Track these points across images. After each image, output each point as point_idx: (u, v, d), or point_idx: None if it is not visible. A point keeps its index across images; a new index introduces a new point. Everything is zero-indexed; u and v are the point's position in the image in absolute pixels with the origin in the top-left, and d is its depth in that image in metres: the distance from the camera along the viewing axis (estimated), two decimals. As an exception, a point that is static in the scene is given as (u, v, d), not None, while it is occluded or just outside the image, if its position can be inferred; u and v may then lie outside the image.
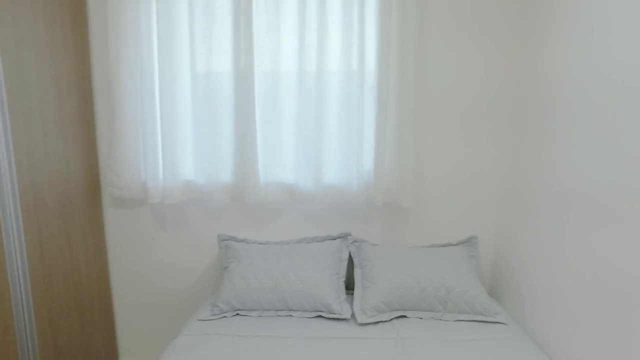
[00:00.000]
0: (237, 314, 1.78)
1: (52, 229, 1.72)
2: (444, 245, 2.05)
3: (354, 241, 2.03)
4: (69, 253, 1.84)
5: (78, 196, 1.90)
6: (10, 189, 1.51)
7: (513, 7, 1.90)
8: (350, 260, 2.05)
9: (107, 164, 2.02)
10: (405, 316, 1.77)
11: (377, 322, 1.72)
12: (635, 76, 1.17)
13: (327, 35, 1.87)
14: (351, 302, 1.88)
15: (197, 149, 1.98)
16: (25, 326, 1.59)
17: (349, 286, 2.06)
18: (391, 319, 1.74)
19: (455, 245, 2.04)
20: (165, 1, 1.87)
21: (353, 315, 1.76)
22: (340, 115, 1.94)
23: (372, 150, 1.94)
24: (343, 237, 2.06)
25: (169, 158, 1.95)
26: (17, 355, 1.55)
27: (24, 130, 1.58)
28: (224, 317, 1.76)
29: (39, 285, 1.65)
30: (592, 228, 1.35)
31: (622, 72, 1.23)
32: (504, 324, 1.72)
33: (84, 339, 1.95)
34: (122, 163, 1.98)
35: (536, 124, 1.73)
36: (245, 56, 1.86)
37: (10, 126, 1.51)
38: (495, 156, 2.03)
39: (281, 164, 1.99)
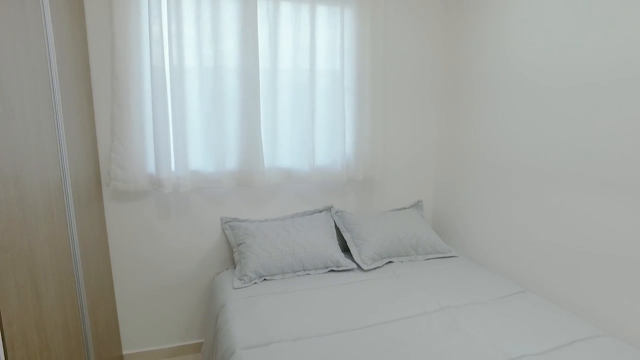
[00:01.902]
0: (264, 279, 2.10)
1: (48, 227, 1.77)
2: (400, 209, 2.67)
3: (337, 212, 2.50)
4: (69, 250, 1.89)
5: (79, 191, 1.93)
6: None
7: (449, 23, 2.60)
8: (336, 227, 2.52)
9: (110, 158, 2.07)
10: (391, 261, 2.33)
11: (376, 268, 2.24)
12: (536, 70, 1.91)
13: (315, 43, 2.29)
14: (350, 257, 2.37)
15: (206, 140, 2.19)
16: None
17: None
18: (383, 265, 2.29)
19: (409, 208, 2.69)
20: (175, 5, 2.03)
21: (357, 265, 2.25)
22: (327, 110, 2.38)
23: (352, 137, 2.44)
24: (327, 209, 2.51)
25: (180, 149, 2.12)
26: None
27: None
28: (255, 283, 2.06)
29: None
30: (510, 180, 2.10)
31: (526, 64, 1.97)
32: (456, 256, 2.42)
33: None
34: (129, 156, 2.07)
35: (467, 107, 2.45)
36: (252, 56, 2.15)
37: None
38: (436, 136, 2.72)
39: (280, 151, 2.34)
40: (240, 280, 2.07)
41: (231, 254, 2.41)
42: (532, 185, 2.01)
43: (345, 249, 2.57)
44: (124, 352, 2.32)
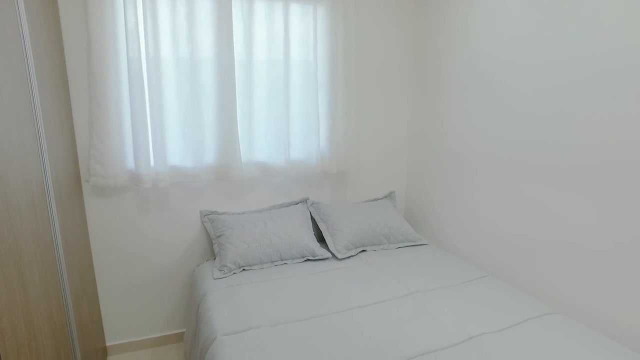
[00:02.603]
0: (243, 269, 2.19)
1: (32, 224, 1.81)
2: (374, 200, 2.79)
3: (312, 203, 2.60)
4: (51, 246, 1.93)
5: (60, 188, 1.96)
6: None
7: (419, 28, 2.71)
8: (312, 219, 2.62)
9: (89, 154, 2.10)
10: (365, 250, 2.45)
11: (350, 257, 2.36)
12: (499, 68, 2.04)
13: (289, 40, 2.35)
14: (326, 247, 2.48)
15: (184, 136, 2.25)
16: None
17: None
18: (357, 253, 2.40)
19: (382, 199, 2.81)
20: (150, 2, 2.06)
21: (332, 255, 2.36)
22: (301, 105, 2.46)
23: (326, 131, 2.53)
24: (303, 201, 2.61)
25: (159, 145, 2.17)
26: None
27: None
28: (234, 273, 2.15)
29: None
30: (474, 172, 2.23)
31: (490, 61, 2.09)
32: (426, 244, 2.56)
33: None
34: (108, 153, 2.11)
35: (436, 102, 2.57)
36: (227, 51, 2.21)
37: None
38: (407, 129, 2.84)
39: (257, 145, 2.41)
40: (220, 270, 2.15)
41: (211, 246, 2.48)
42: (493, 177, 2.15)
43: (321, 239, 2.68)
44: (108, 344, 2.38)
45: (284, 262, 2.27)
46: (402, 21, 2.69)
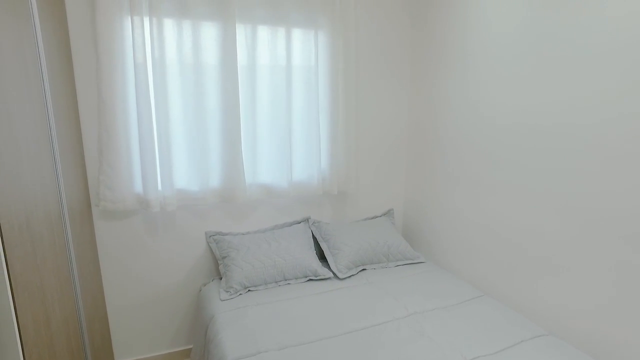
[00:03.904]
0: (249, 290, 2.27)
1: (53, 259, 1.88)
2: (373, 218, 2.89)
3: (313, 222, 2.69)
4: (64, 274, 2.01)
5: (74, 216, 2.03)
6: None
7: (416, 56, 2.80)
8: (313, 237, 2.72)
9: (99, 180, 2.17)
10: (365, 269, 2.55)
11: (351, 276, 2.45)
12: (493, 109, 2.14)
13: (291, 64, 2.44)
14: (327, 266, 2.57)
15: (190, 160, 2.32)
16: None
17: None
18: (358, 272, 2.50)
19: (380, 216, 2.90)
20: (157, 29, 2.13)
21: (334, 274, 2.45)
22: (303, 128, 2.54)
23: (327, 153, 2.62)
24: (305, 220, 2.70)
25: (166, 170, 2.25)
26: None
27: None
28: (240, 294, 2.23)
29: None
30: (474, 191, 2.33)
31: (486, 105, 2.20)
32: (424, 262, 2.66)
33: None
34: (116, 178, 2.19)
35: (433, 125, 2.67)
36: (232, 78, 2.29)
37: None
38: (404, 152, 2.93)
39: (260, 167, 2.50)
40: (227, 292, 2.24)
41: (216, 265, 2.56)
42: (488, 197, 2.25)
43: (323, 256, 2.77)
44: (115, 361, 2.45)
45: (288, 282, 2.35)
46: (399, 47, 2.79)
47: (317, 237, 2.65)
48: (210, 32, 2.28)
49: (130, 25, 2.12)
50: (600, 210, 1.69)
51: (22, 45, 1.39)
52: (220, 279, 2.45)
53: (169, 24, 2.21)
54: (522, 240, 2.06)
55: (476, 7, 2.24)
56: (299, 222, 2.69)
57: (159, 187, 2.27)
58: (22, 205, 1.27)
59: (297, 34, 2.47)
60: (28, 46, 1.45)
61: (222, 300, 2.18)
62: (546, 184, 1.91)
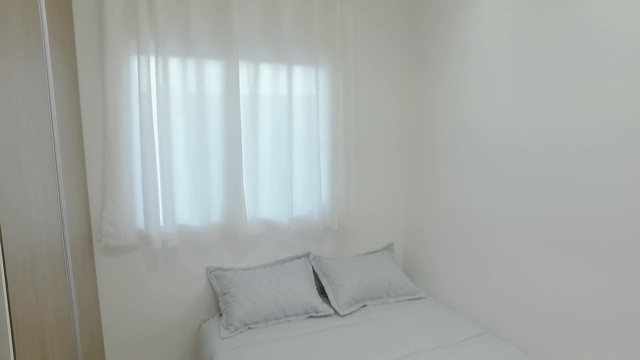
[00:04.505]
0: (249, 327, 2.25)
1: (54, 298, 1.87)
2: (373, 252, 2.89)
3: (314, 257, 2.69)
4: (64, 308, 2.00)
5: (76, 253, 2.04)
6: None
7: (414, 82, 2.87)
8: (314, 272, 2.71)
9: (101, 216, 2.19)
10: (366, 305, 2.53)
11: (352, 312, 2.43)
12: (487, 131, 2.18)
13: (292, 102, 2.50)
14: (328, 302, 2.55)
15: (192, 196, 2.35)
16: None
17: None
18: (359, 309, 2.48)
19: (381, 250, 2.90)
20: (162, 68, 2.20)
21: (334, 311, 2.43)
22: (303, 164, 2.58)
23: (327, 189, 2.65)
24: (305, 255, 2.70)
25: (168, 206, 2.27)
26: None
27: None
28: (240, 332, 2.21)
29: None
30: (471, 230, 2.34)
31: (480, 124, 2.23)
32: (424, 298, 2.64)
33: (95, 382, 2.10)
34: (119, 214, 2.20)
35: (431, 160, 2.70)
36: (234, 116, 2.34)
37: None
38: (405, 185, 2.96)
39: (261, 203, 2.52)
40: (227, 329, 2.21)
41: (216, 301, 2.55)
42: (487, 235, 2.26)
43: (323, 291, 2.75)
44: (111, 400, 2.40)
45: (288, 319, 2.33)
46: (398, 84, 2.86)
47: (317, 272, 2.65)
48: (214, 70, 2.35)
49: (136, 64, 2.18)
50: (609, 248, 1.70)
51: (34, 87, 1.44)
52: (221, 315, 2.43)
53: (174, 62, 2.28)
54: (525, 278, 2.06)
55: (473, 43, 2.31)
56: (300, 257, 2.68)
57: (161, 223, 2.28)
58: (28, 247, 1.28)
59: (298, 70, 2.54)
60: (40, 88, 1.50)
61: (222, 339, 2.15)
62: (549, 220, 1.93)
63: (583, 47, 1.73)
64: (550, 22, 1.87)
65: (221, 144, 2.38)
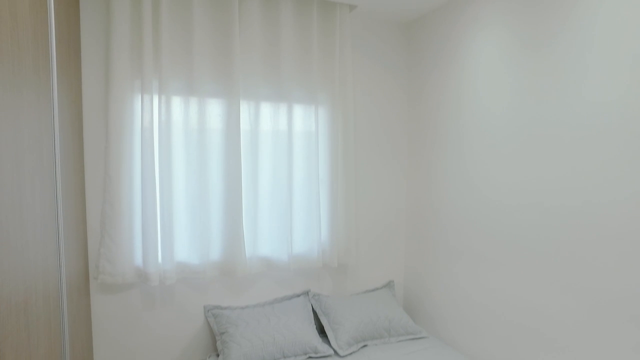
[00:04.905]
0: (246, 368, 2.19)
1: (47, 342, 1.82)
2: (373, 290, 2.84)
3: (313, 295, 2.65)
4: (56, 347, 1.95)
5: (72, 292, 2.00)
6: None
7: (413, 132, 2.92)
8: (313, 310, 2.66)
9: (100, 253, 2.17)
10: (366, 345, 2.47)
11: (352, 353, 2.37)
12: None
13: (292, 139, 2.53)
14: (327, 342, 2.49)
15: (191, 232, 2.34)
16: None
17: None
18: (359, 349, 2.42)
19: (381, 288, 2.86)
20: (165, 107, 2.24)
21: (334, 351, 2.37)
22: (303, 201, 2.59)
23: (327, 226, 2.64)
24: (305, 293, 2.66)
25: (167, 242, 2.25)
26: None
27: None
28: (237, 373, 2.15)
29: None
30: (474, 267, 2.32)
31: (479, 170, 2.25)
32: (426, 337, 2.58)
33: None
34: (117, 251, 2.19)
35: (431, 196, 2.71)
36: (234, 154, 2.37)
37: None
38: (402, 224, 2.96)
39: (261, 240, 2.50)
40: (223, 371, 2.15)
41: (214, 341, 2.49)
42: (488, 272, 2.24)
43: (323, 330, 2.69)
44: None
45: (287, 359, 2.27)
46: (396, 123, 2.91)
47: (317, 310, 2.60)
48: (215, 108, 2.39)
49: (140, 102, 2.23)
50: (607, 290, 1.68)
51: (40, 125, 1.46)
52: (218, 355, 2.37)
53: (176, 101, 2.32)
54: (525, 318, 2.02)
55: (468, 88, 2.37)
56: (299, 296, 2.64)
57: (159, 260, 2.26)
58: (23, 287, 1.26)
59: (298, 109, 2.59)
60: (45, 127, 1.53)
61: (218, 381, 2.09)
62: (549, 262, 1.92)
63: (575, 100, 1.78)
64: (542, 96, 1.93)
65: (221, 180, 2.40)
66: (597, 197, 1.70)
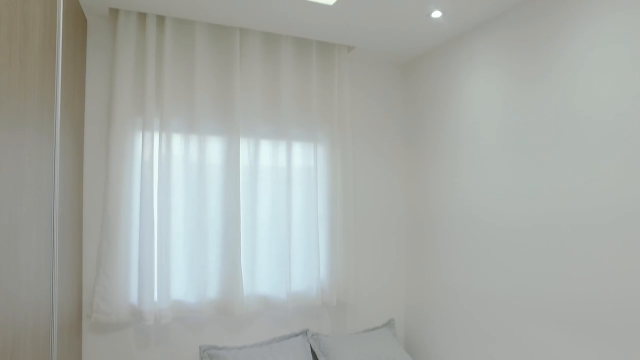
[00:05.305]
0: (241, 414, 2.10)
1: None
2: (373, 329, 2.78)
3: (312, 335, 2.58)
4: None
5: (63, 332, 1.95)
6: None
7: (411, 160, 2.95)
8: (312, 351, 2.58)
9: (94, 290, 2.14)
10: (366, 388, 2.39)
11: (351, 397, 2.29)
12: (483, 211, 2.18)
13: (291, 175, 2.54)
14: (326, 385, 2.41)
15: (188, 270, 2.31)
16: None
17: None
18: (359, 392, 2.34)
19: (381, 327, 2.79)
20: (166, 144, 2.26)
21: (333, 395, 2.29)
22: (302, 238, 2.57)
23: (326, 264, 2.61)
24: (303, 333, 2.59)
25: (163, 280, 2.22)
26: None
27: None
28: (232, 419, 2.06)
29: None
30: (472, 307, 2.27)
31: (479, 205, 2.24)
32: (428, 380, 2.50)
33: None
34: (113, 289, 2.15)
35: (430, 236, 2.69)
36: (234, 193, 2.37)
37: None
38: (402, 262, 2.92)
39: (259, 278, 2.47)
40: (217, 416, 2.07)
41: (208, 383, 2.40)
42: (488, 311, 2.19)
43: (321, 372, 2.60)
44: None
45: (283, 404, 2.19)
46: (395, 160, 2.93)
47: (315, 351, 2.52)
48: (215, 146, 2.42)
49: (140, 140, 2.26)
50: (616, 325, 1.64)
51: (41, 164, 1.48)
52: (211, 399, 2.28)
53: (177, 138, 2.35)
54: (530, 357, 1.97)
55: (465, 125, 2.40)
56: (297, 335, 2.57)
57: (155, 298, 2.22)
58: (12, 329, 1.24)
59: (297, 146, 2.62)
60: (46, 165, 1.54)
61: None
62: (548, 297, 1.88)
63: (567, 135, 1.81)
64: (536, 107, 1.97)
65: (220, 217, 2.39)
66: (597, 219, 1.69)
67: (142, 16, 2.30)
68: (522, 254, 2.02)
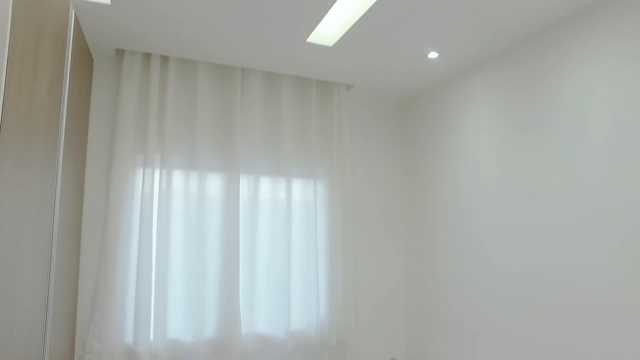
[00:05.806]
0: None
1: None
2: (374, 370, 2.70)
3: (311, 376, 2.51)
4: None
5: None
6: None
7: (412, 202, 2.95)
8: (310, 394, 2.50)
9: (89, 330, 2.09)
10: None
11: None
12: (487, 235, 2.17)
13: (291, 211, 2.54)
14: None
15: (186, 309, 2.26)
16: None
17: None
18: None
19: (382, 368, 2.72)
20: (166, 181, 2.27)
21: None
22: (301, 274, 2.54)
23: (325, 301, 2.57)
24: (302, 374, 2.52)
25: (160, 319, 2.18)
26: None
27: None
28: None
29: None
30: (476, 341, 2.22)
31: (481, 230, 2.23)
32: None
33: None
34: (108, 328, 2.10)
35: (432, 267, 2.66)
36: (233, 231, 2.36)
37: None
38: (405, 295, 2.88)
39: (257, 314, 2.42)
40: None
41: None
42: (492, 345, 2.14)
43: (320, 416, 2.51)
44: None
45: None
46: (394, 194, 2.95)
47: (314, 393, 2.45)
48: (215, 183, 2.43)
49: (141, 176, 2.28)
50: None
51: (41, 201, 1.48)
52: None
53: (177, 175, 2.37)
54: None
55: (464, 162, 2.43)
56: (296, 376, 2.50)
57: (151, 337, 2.17)
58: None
59: (297, 183, 2.63)
60: (46, 203, 1.54)
61: None
62: (570, 340, 1.84)
63: (563, 173, 1.84)
64: (533, 144, 2.00)
65: (218, 254, 2.37)
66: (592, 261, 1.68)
67: (147, 56, 2.37)
68: (529, 296, 2.00)
